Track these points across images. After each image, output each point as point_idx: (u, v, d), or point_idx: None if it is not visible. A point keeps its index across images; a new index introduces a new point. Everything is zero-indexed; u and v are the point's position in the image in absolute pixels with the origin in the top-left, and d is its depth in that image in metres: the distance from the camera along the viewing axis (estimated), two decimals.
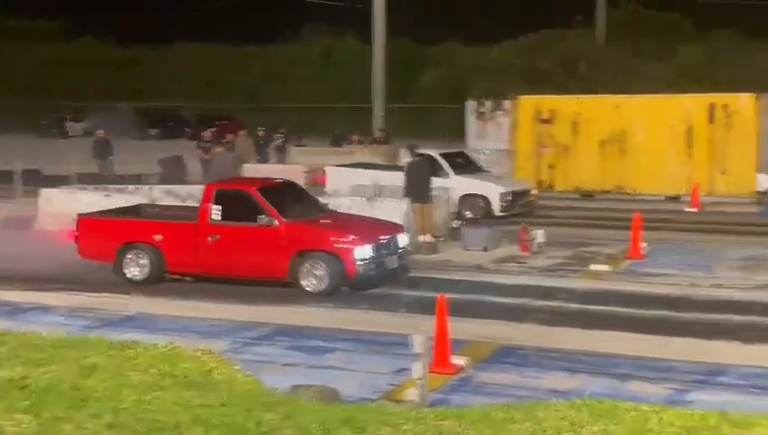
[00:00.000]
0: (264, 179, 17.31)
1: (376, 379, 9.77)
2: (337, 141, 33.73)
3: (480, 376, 9.96)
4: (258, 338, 11.67)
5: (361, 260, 13.57)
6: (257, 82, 60.45)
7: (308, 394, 8.68)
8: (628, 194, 25.19)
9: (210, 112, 53.38)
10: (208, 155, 24.29)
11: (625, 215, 20.00)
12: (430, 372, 9.22)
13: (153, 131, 54.45)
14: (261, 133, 31.89)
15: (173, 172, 24.83)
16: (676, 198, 24.64)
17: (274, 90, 57.55)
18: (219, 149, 23.21)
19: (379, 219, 15.94)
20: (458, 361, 10.09)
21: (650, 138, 25.13)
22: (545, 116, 26.52)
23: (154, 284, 14.53)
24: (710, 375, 9.91)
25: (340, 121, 44.88)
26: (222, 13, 60.04)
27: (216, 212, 14.20)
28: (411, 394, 8.83)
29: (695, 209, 23.39)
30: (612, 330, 11.90)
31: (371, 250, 13.76)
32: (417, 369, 8.82)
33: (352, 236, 13.82)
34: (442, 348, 9.95)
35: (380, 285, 14.10)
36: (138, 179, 24.44)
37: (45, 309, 13.19)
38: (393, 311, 13.05)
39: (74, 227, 15.34)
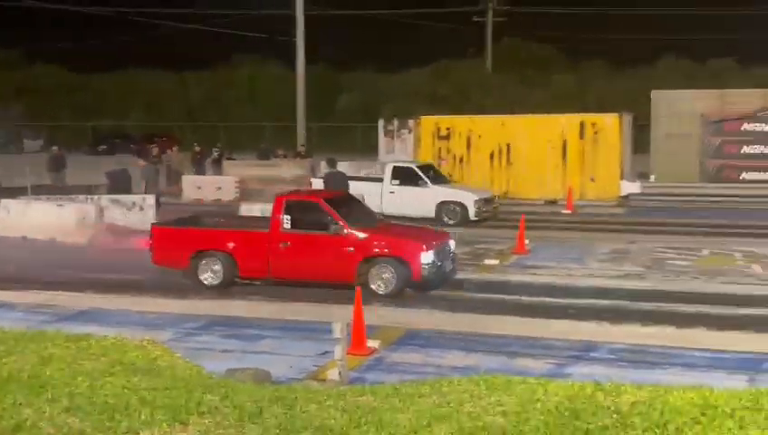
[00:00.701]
0: (326, 191, 16.72)
1: (303, 361, 9.70)
2: (264, 155, 33.32)
3: (391, 356, 9.98)
4: (198, 328, 11.47)
5: (426, 264, 13.12)
6: (194, 104, 59.52)
7: (243, 376, 8.57)
8: (514, 199, 25.54)
9: (153, 130, 52.24)
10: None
11: (511, 217, 20.36)
12: (349, 353, 9.24)
13: (101, 148, 53.04)
14: (197, 149, 31.41)
15: (119, 184, 24.14)
16: (553, 202, 25.05)
17: (209, 110, 56.77)
18: (142, 163, 23.07)
19: (429, 228, 15.65)
20: (372, 344, 10.11)
21: (531, 151, 25.51)
22: (443, 133, 26.71)
23: (226, 287, 13.82)
24: (584, 351, 10.10)
25: (266, 138, 44.47)
26: (163, 42, 58.92)
27: (286, 221, 13.63)
28: (333, 374, 8.82)
29: (569, 211, 23.87)
30: (502, 314, 12.05)
31: (433, 255, 13.29)
32: (338, 351, 8.82)
33: (418, 243, 13.34)
34: (359, 333, 9.96)
35: (439, 286, 13.61)
36: (87, 190, 23.73)
37: (10, 306, 12.71)
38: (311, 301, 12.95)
39: (148, 237, 14.51)
